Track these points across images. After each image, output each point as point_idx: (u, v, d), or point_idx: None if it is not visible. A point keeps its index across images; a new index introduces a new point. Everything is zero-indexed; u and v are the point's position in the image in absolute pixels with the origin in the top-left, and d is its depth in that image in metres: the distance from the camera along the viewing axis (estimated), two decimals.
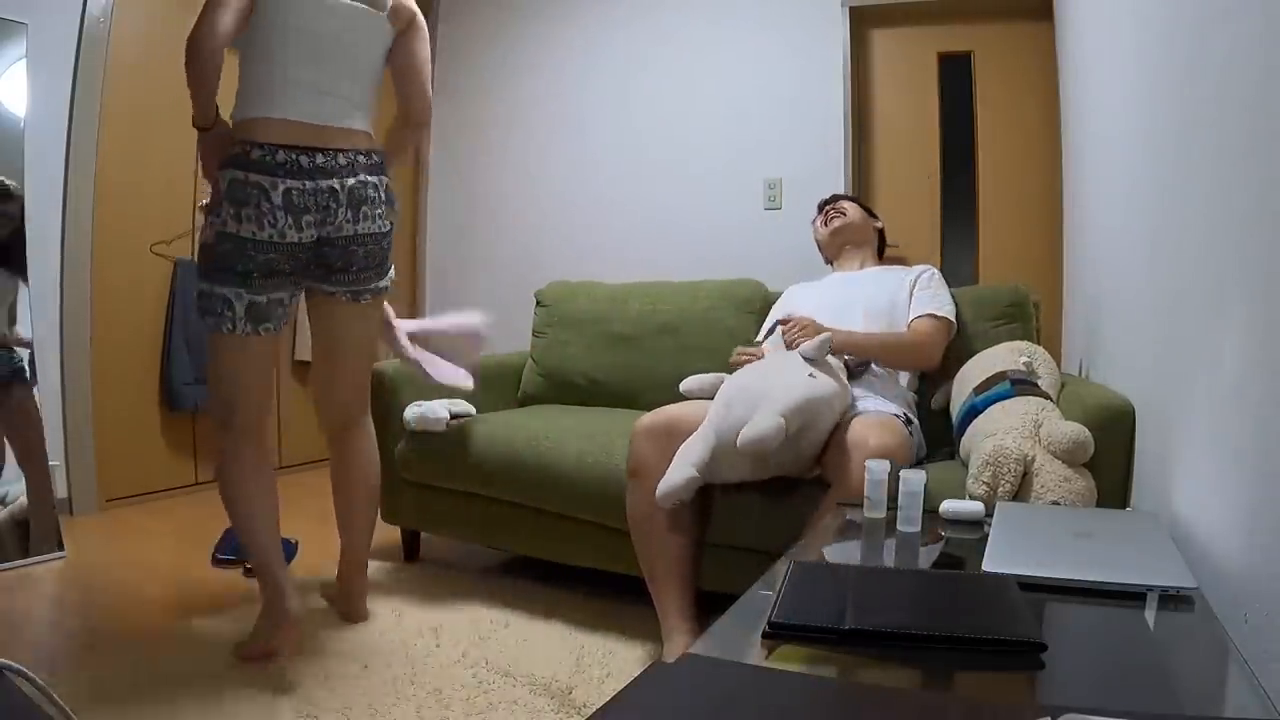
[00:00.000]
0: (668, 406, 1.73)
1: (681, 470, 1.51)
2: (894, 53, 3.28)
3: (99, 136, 2.70)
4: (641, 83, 3.58)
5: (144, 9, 2.87)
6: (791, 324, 1.80)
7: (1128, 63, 1.65)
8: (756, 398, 1.50)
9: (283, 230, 1.58)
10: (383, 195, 1.71)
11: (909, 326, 1.90)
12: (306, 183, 1.59)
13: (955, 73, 3.19)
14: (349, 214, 1.65)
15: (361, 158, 1.67)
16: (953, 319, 1.91)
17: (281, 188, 1.57)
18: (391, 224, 1.75)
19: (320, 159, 1.61)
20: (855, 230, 2.19)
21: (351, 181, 1.65)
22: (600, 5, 3.67)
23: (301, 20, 1.61)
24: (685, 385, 1.83)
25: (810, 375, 1.51)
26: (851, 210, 2.22)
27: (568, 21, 3.73)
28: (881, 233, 2.28)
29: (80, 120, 2.64)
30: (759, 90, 3.33)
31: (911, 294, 1.95)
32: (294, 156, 1.59)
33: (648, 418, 1.69)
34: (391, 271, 1.84)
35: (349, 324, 1.80)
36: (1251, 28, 0.91)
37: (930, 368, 1.89)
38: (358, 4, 1.67)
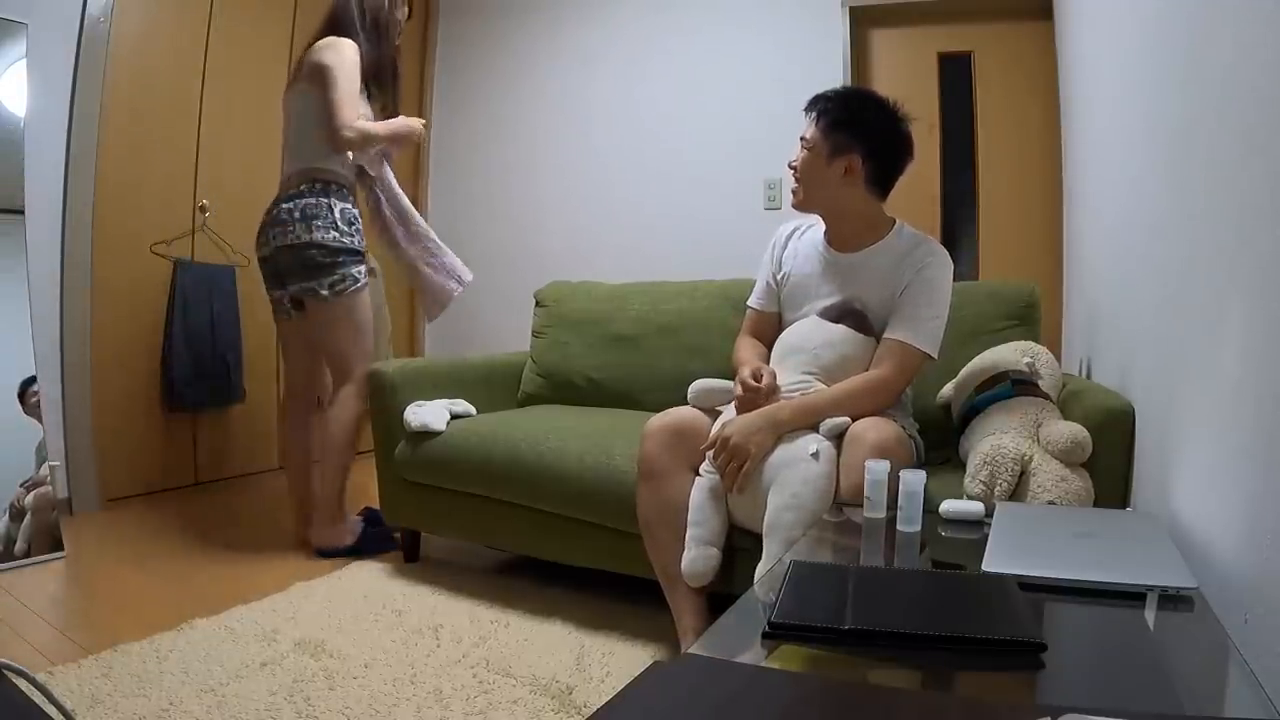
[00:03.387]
0: (678, 408, 1.71)
1: (704, 552, 1.54)
2: (894, 53, 3.28)
3: (99, 136, 2.70)
4: (642, 82, 3.58)
5: (144, 9, 2.87)
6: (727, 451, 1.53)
7: (1128, 62, 1.65)
8: (763, 486, 1.51)
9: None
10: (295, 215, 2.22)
11: (882, 345, 1.63)
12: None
13: (955, 73, 3.19)
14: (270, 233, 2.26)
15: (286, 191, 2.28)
16: (933, 351, 1.62)
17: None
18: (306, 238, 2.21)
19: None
20: (825, 200, 1.71)
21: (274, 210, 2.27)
22: (600, 6, 3.67)
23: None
24: (693, 397, 1.73)
25: (813, 454, 1.48)
26: (807, 174, 1.70)
27: (567, 22, 3.74)
28: (879, 172, 1.69)
29: (80, 120, 2.65)
30: (759, 90, 3.33)
31: (901, 293, 1.64)
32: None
33: (658, 419, 1.67)
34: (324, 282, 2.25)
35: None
36: (1252, 27, 0.91)
37: (888, 406, 1.64)
38: (292, 92, 2.32)
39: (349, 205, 2.28)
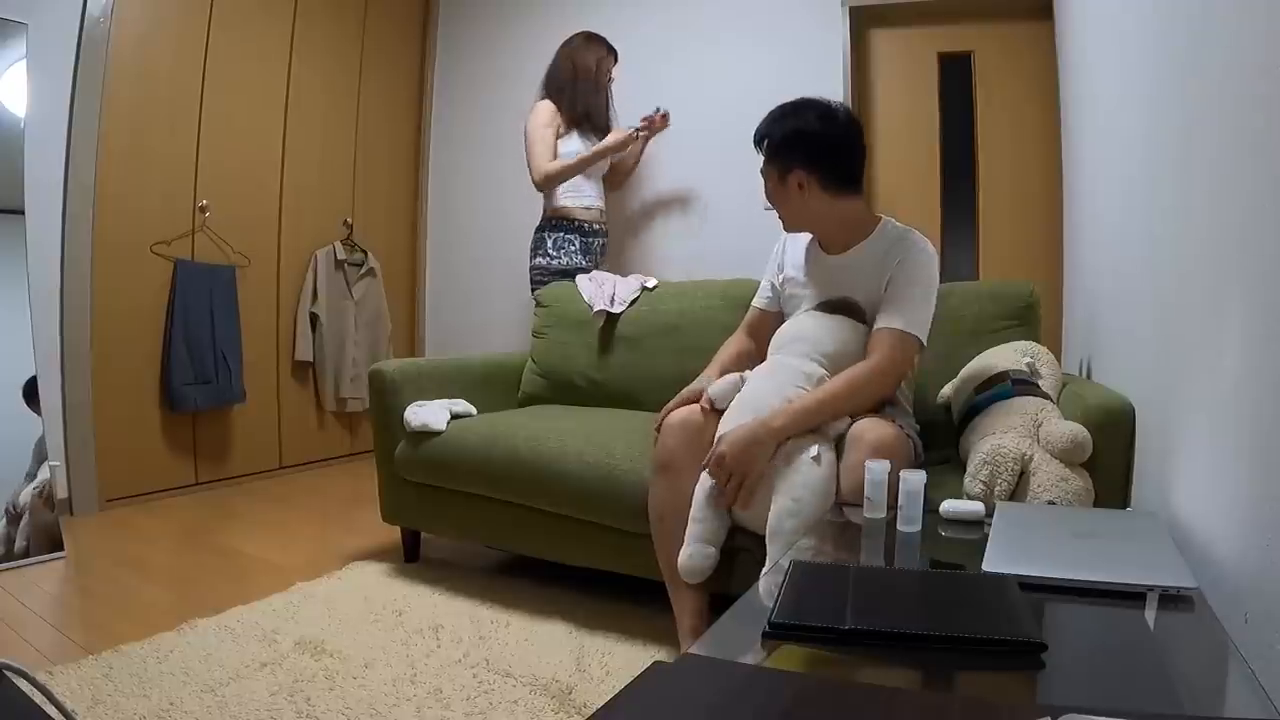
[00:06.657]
0: (698, 404, 1.71)
1: (701, 550, 1.54)
2: (894, 53, 3.28)
3: (99, 136, 2.70)
4: (641, 83, 3.57)
5: (144, 9, 2.87)
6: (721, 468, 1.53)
7: (1128, 62, 1.65)
8: (767, 491, 1.51)
9: None
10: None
11: (871, 337, 1.64)
12: None
13: (955, 73, 3.18)
14: None
15: None
16: (923, 335, 1.62)
17: None
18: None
19: None
20: (799, 217, 1.74)
21: None
22: (599, 7, 3.66)
23: None
24: (712, 391, 1.71)
25: (814, 458, 1.48)
26: (774, 202, 1.74)
27: (567, 23, 3.72)
28: (845, 177, 1.69)
29: (80, 120, 2.65)
30: (759, 90, 3.30)
31: (886, 286, 1.65)
32: None
33: (682, 411, 1.68)
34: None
35: None
36: (1252, 27, 0.91)
37: (888, 396, 1.68)
38: None
39: (561, 234, 2.90)
